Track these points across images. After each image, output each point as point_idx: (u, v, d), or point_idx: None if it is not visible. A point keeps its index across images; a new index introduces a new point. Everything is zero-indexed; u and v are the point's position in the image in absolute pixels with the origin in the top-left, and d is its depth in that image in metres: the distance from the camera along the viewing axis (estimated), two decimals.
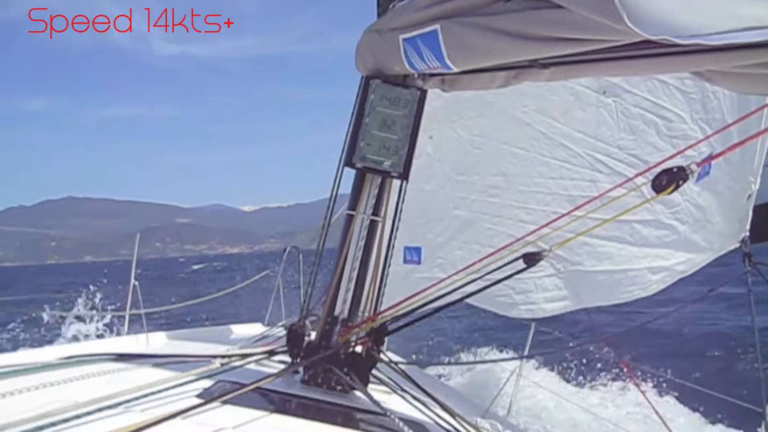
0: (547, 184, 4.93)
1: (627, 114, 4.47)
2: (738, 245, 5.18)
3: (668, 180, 1.89)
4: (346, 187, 3.30)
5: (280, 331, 5.29)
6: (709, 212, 5.03)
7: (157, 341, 4.97)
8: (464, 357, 11.60)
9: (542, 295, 5.55)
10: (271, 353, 3.50)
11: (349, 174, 3.24)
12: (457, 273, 3.08)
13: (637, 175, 3.92)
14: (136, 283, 5.47)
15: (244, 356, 3.42)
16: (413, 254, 5.46)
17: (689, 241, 5.19)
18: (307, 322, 3.44)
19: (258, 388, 2.71)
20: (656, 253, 5.22)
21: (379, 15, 3.09)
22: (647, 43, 1.78)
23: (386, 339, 3.43)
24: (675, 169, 1.90)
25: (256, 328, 6.16)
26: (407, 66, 2.65)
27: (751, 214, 5.02)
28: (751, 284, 4.83)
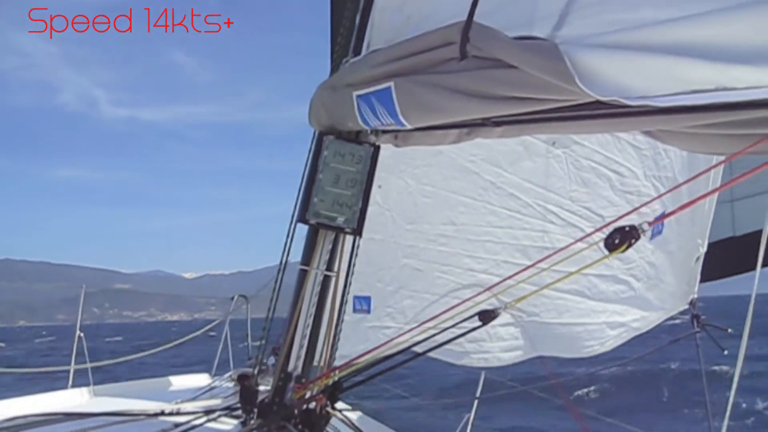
0: (497, 233, 4.95)
1: (578, 166, 4.52)
2: (687, 306, 5.33)
3: (621, 239, 1.91)
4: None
5: (228, 382, 5.22)
6: (662, 271, 5.13)
7: (102, 394, 4.85)
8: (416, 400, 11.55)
9: (497, 345, 5.53)
10: (230, 410, 3.47)
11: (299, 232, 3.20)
12: (413, 329, 3.05)
13: (594, 231, 3.99)
14: (82, 334, 5.37)
15: (194, 413, 3.38)
16: (363, 303, 5.40)
17: (644, 299, 5.28)
18: (254, 372, 3.40)
19: None
20: (613, 309, 5.29)
21: (332, 71, 3.10)
22: (598, 103, 1.82)
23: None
24: (627, 228, 1.92)
25: (202, 379, 6.04)
26: (360, 122, 2.65)
27: (699, 277, 5.18)
28: (699, 342, 5.00)
